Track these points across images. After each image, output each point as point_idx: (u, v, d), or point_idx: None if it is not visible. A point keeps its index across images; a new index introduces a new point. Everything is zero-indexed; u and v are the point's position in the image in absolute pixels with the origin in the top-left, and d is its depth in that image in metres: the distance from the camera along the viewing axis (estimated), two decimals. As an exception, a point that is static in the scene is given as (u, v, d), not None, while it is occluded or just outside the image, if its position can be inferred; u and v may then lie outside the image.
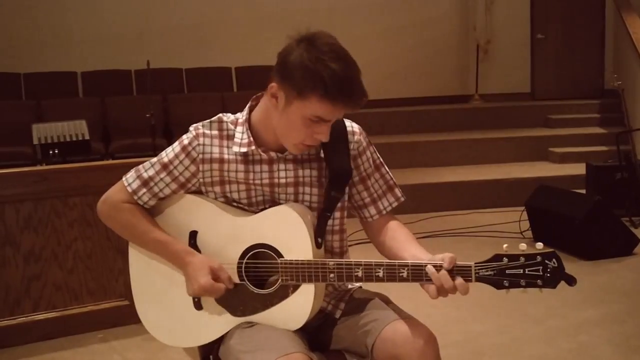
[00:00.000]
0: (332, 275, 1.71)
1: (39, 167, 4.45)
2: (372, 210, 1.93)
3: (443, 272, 1.64)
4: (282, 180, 1.82)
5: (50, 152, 4.85)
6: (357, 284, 1.99)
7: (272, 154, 1.80)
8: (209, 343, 1.87)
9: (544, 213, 5.10)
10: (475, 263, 1.64)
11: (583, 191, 5.86)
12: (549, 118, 8.45)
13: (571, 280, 1.61)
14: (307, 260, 1.72)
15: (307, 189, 1.83)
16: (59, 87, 7.70)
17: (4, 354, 3.39)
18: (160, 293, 1.89)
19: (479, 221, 5.81)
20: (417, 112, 8.52)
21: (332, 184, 1.82)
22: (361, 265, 1.70)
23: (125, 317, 3.54)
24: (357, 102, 1.68)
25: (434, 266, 1.65)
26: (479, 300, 3.72)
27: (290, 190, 1.82)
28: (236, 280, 1.79)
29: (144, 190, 1.83)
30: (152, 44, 8.09)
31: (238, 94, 8.08)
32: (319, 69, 1.63)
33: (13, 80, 7.70)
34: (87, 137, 5.09)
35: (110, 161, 5.55)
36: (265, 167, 1.81)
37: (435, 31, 9.43)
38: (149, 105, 6.16)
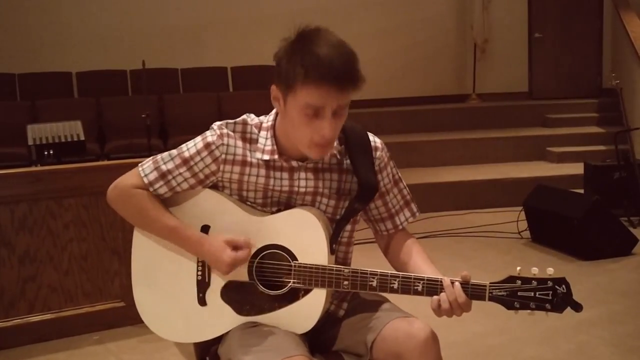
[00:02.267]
0: (346, 282, 1.72)
1: (33, 168, 4.43)
2: (389, 225, 1.95)
3: (457, 285, 1.67)
4: (302, 190, 1.81)
5: (45, 152, 4.84)
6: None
7: (294, 162, 1.79)
8: (207, 342, 1.85)
9: (542, 213, 5.10)
10: (490, 283, 1.68)
11: (581, 191, 5.85)
12: (546, 117, 8.45)
13: (578, 307, 1.66)
14: (322, 266, 1.72)
15: (325, 200, 1.83)
16: (53, 88, 7.68)
17: (-1, 356, 3.38)
18: (162, 283, 1.86)
19: (477, 221, 5.80)
20: (415, 112, 8.52)
21: (358, 196, 1.82)
22: (377, 275, 1.71)
23: (121, 319, 3.54)
24: (346, 84, 1.63)
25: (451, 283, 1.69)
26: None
27: (308, 198, 1.82)
28: (246, 279, 1.77)
29: (161, 182, 1.80)
30: (147, 44, 8.07)
31: (234, 94, 8.09)
32: (300, 55, 1.62)
33: (7, 80, 7.68)
34: (82, 137, 5.08)
35: (106, 162, 5.53)
36: (286, 175, 1.80)
37: (432, 30, 9.43)
38: (145, 106, 6.13)
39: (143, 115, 6.02)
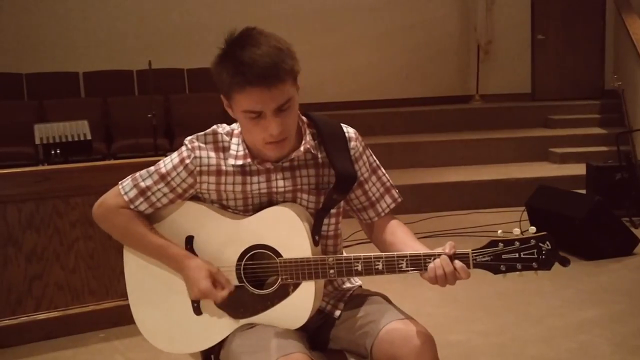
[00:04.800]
0: (332, 271, 1.72)
1: (41, 167, 4.47)
2: (371, 213, 1.94)
3: (443, 257, 1.67)
4: (281, 189, 1.82)
5: (52, 152, 4.87)
6: (357, 284, 1.99)
7: (268, 164, 1.80)
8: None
9: (544, 213, 5.10)
10: (472, 250, 1.67)
11: (583, 191, 5.86)
12: (549, 118, 8.46)
13: (565, 261, 1.65)
14: (306, 258, 1.73)
15: (305, 196, 1.83)
16: (61, 88, 7.73)
17: (6, 354, 3.40)
18: (158, 299, 1.88)
19: (479, 221, 5.80)
20: (418, 113, 8.53)
21: (336, 187, 1.82)
22: (360, 259, 1.71)
23: (127, 317, 3.43)
24: (273, 81, 1.62)
25: (433, 256, 1.68)
26: (478, 300, 3.73)
27: (289, 196, 1.83)
28: (235, 282, 1.78)
29: (141, 199, 1.83)
30: (153, 44, 8.09)
31: (239, 95, 8.07)
32: (224, 63, 1.66)
33: (15, 80, 7.73)
34: (89, 137, 5.11)
35: (112, 161, 5.56)
36: (263, 178, 1.81)
37: (436, 32, 9.44)
38: (151, 106, 6.18)
39: (149, 115, 6.07)
